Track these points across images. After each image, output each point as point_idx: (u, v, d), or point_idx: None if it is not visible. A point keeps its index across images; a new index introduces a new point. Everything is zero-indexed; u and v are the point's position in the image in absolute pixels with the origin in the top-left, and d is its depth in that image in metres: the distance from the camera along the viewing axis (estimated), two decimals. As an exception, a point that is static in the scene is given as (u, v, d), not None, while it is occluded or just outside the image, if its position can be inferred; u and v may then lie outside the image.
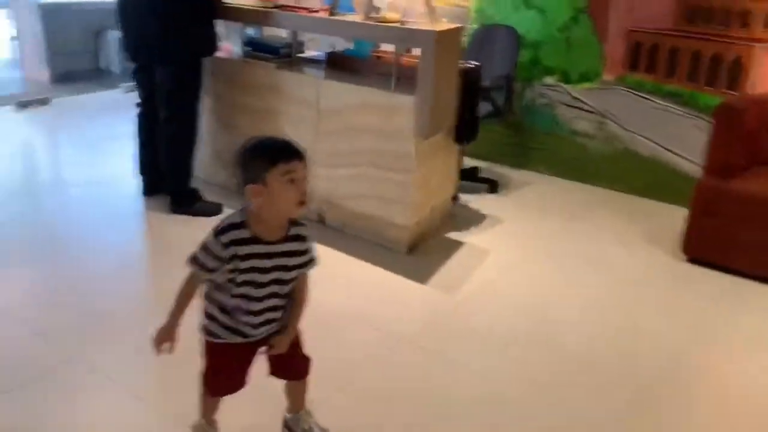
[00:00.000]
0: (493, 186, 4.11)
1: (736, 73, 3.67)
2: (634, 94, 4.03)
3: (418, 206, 3.19)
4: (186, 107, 3.38)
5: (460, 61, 3.24)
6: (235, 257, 1.55)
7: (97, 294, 2.73)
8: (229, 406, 1.84)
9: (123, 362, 2.29)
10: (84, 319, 2.53)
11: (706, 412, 2.25)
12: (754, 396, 2.34)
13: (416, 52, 3.16)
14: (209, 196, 3.60)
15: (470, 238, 3.43)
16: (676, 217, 3.56)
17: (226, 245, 1.53)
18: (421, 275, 2.98)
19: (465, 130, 3.40)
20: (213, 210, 3.50)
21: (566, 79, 4.26)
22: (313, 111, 3.31)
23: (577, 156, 4.31)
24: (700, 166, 3.35)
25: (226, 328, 1.66)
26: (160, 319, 1.65)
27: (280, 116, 3.45)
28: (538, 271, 3.15)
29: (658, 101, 3.97)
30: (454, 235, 3.45)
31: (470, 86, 3.33)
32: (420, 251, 3.22)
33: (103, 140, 4.63)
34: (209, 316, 1.67)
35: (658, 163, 4.03)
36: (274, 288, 1.63)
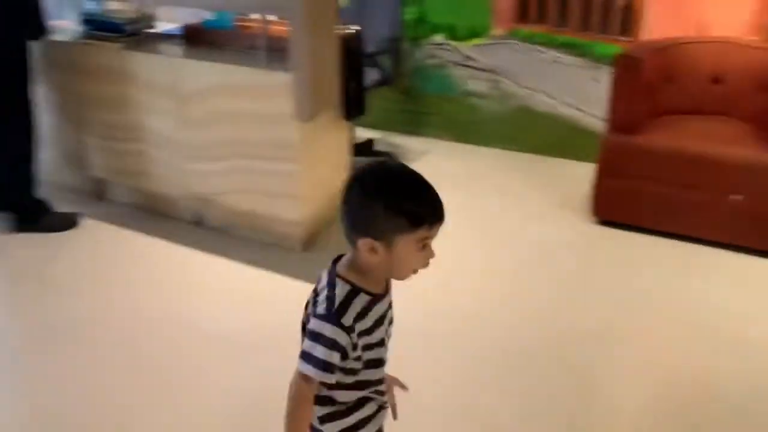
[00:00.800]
0: (391, 159, 3.79)
1: (628, 18, 3.50)
2: (527, 47, 3.79)
3: (310, 197, 2.81)
4: (13, 104, 2.79)
5: (338, 27, 2.84)
6: (363, 333, 1.16)
7: None
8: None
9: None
10: None
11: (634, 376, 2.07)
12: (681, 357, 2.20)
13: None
14: (61, 205, 3.05)
15: (371, 223, 3.11)
16: (581, 176, 3.38)
17: (351, 328, 1.13)
18: (320, 276, 2.63)
19: (352, 105, 3.03)
20: (67, 223, 2.97)
21: (455, 35, 3.96)
22: (171, 97, 2.82)
23: (473, 118, 4.04)
24: (601, 120, 3.18)
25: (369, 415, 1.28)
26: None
27: (135, 105, 2.93)
28: (444, 253, 2.86)
29: (551, 53, 3.75)
30: (352, 222, 3.10)
31: (352, 54, 2.94)
32: (318, 247, 2.84)
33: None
34: (342, 413, 1.24)
35: (558, 120, 3.83)
36: (383, 352, 1.25)
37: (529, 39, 3.77)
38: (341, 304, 1.13)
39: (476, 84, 3.98)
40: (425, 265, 1.17)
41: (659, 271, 2.76)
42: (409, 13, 3.92)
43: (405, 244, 1.12)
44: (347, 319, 1.13)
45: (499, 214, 3.26)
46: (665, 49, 3.15)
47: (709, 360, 2.23)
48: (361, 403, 1.25)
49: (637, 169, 2.95)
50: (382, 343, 1.22)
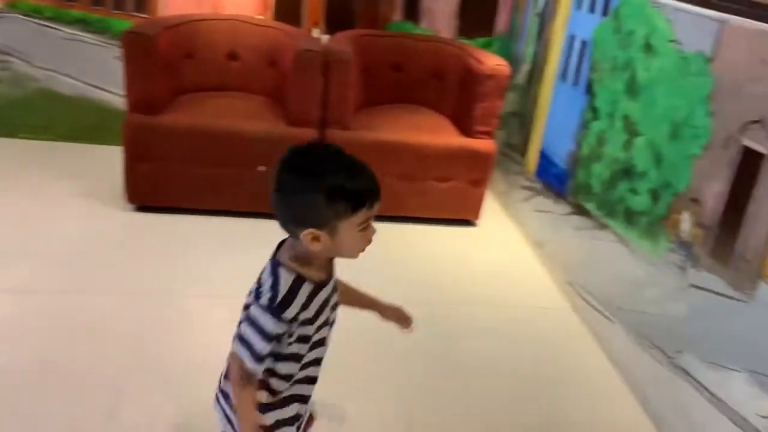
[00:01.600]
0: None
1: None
2: (35, 22, 3.35)
3: None
4: None
5: None
6: (305, 322, 1.17)
7: None
8: None
9: None
10: None
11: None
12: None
13: None
14: None
15: None
16: (116, 161, 3.16)
17: (294, 319, 1.14)
18: None
19: None
20: None
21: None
22: None
23: (-16, 106, 3.44)
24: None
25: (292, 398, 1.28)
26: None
27: None
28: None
29: (65, 30, 3.38)
30: None
31: None
32: None
33: None
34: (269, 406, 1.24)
35: (87, 103, 3.51)
36: (325, 332, 1.27)
37: (35, 13, 3.33)
38: (285, 296, 1.13)
39: (-21, 65, 3.38)
40: (369, 242, 1.17)
41: (205, 250, 2.74)
42: None
43: (348, 228, 1.12)
44: (290, 312, 1.13)
45: (17, 214, 2.82)
46: (180, 26, 3.11)
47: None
48: (286, 402, 1.26)
49: (164, 150, 2.87)
50: (324, 325, 1.23)
